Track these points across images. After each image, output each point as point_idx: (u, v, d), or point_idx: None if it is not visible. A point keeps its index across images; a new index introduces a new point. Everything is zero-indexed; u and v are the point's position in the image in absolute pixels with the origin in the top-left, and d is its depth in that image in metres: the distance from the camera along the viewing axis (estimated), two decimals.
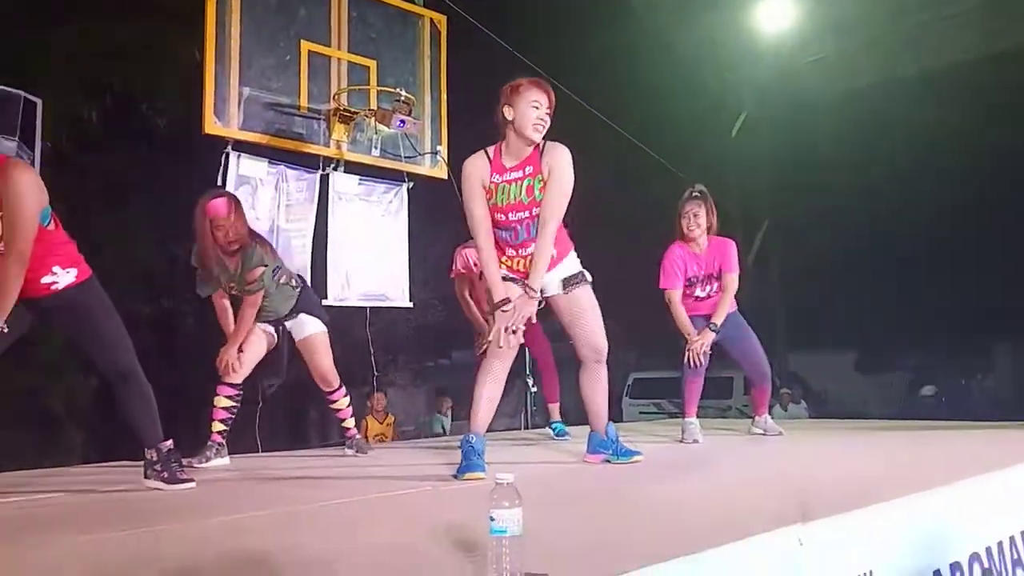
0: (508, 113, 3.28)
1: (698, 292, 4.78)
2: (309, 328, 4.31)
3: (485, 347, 3.51)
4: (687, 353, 4.71)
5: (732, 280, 4.75)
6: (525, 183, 3.33)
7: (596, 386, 3.62)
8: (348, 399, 4.50)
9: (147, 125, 8.95)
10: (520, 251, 3.42)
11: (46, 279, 3.04)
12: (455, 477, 3.17)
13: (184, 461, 3.54)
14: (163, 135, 8.67)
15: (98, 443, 9.58)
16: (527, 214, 3.35)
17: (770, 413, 5.25)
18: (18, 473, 4.01)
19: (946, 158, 12.16)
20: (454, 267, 5.18)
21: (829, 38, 11.42)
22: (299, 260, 5.72)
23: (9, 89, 4.49)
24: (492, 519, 1.53)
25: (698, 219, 4.71)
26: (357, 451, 4.47)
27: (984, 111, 11.38)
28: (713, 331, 4.68)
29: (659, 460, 3.94)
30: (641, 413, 14.47)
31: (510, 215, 3.35)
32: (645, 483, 3.18)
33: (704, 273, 4.76)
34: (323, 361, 4.33)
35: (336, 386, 4.40)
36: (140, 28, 8.68)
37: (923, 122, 11.44)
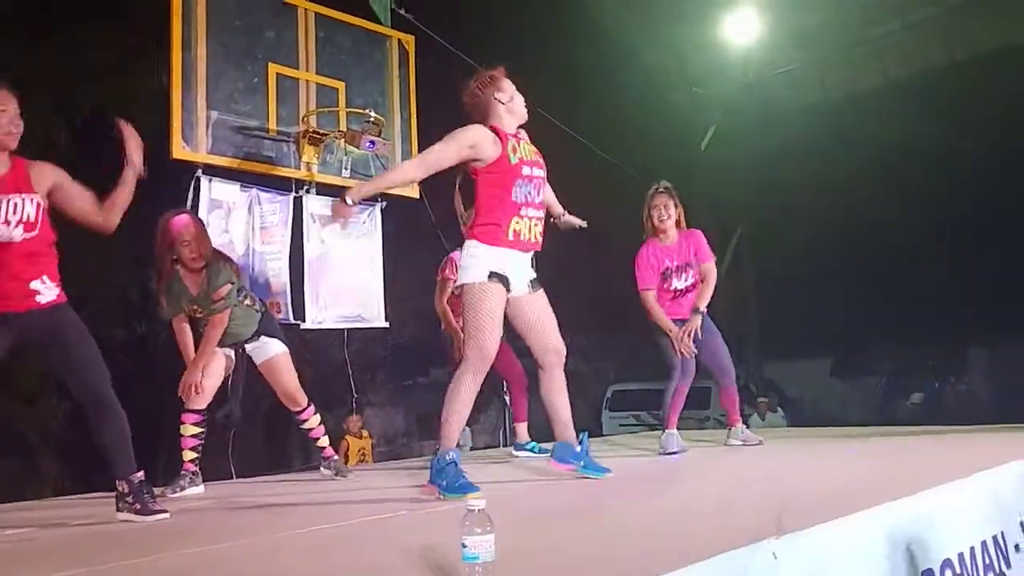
0: (502, 97, 3.46)
1: (676, 284, 4.84)
2: (272, 349, 4.27)
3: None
4: (677, 345, 4.74)
5: (710, 269, 4.88)
6: (530, 145, 3.52)
7: (563, 391, 3.57)
8: (319, 417, 4.41)
9: (118, 149, 8.86)
10: (534, 212, 3.46)
11: (34, 284, 3.02)
12: (444, 497, 3.11)
13: (157, 491, 3.50)
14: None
15: (73, 472, 9.44)
16: (541, 172, 3.51)
17: (747, 422, 5.28)
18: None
19: (917, 165, 12.30)
20: (441, 271, 5.12)
21: (796, 50, 11.55)
22: (276, 283, 5.69)
23: None
24: (464, 546, 1.52)
25: (668, 210, 4.82)
26: (336, 473, 4.40)
27: (953, 118, 11.54)
28: (699, 314, 4.76)
29: (636, 474, 3.95)
30: (621, 426, 14.43)
31: (534, 169, 3.45)
32: (621, 499, 3.17)
33: (678, 263, 4.84)
34: (290, 381, 4.28)
35: (304, 405, 4.33)
36: (113, 51, 8.63)
37: (892, 131, 11.57)
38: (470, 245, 3.40)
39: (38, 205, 3.05)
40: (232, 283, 4.06)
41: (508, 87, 3.50)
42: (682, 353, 4.76)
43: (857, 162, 12.42)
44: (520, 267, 3.45)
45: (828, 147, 12.44)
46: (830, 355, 15.10)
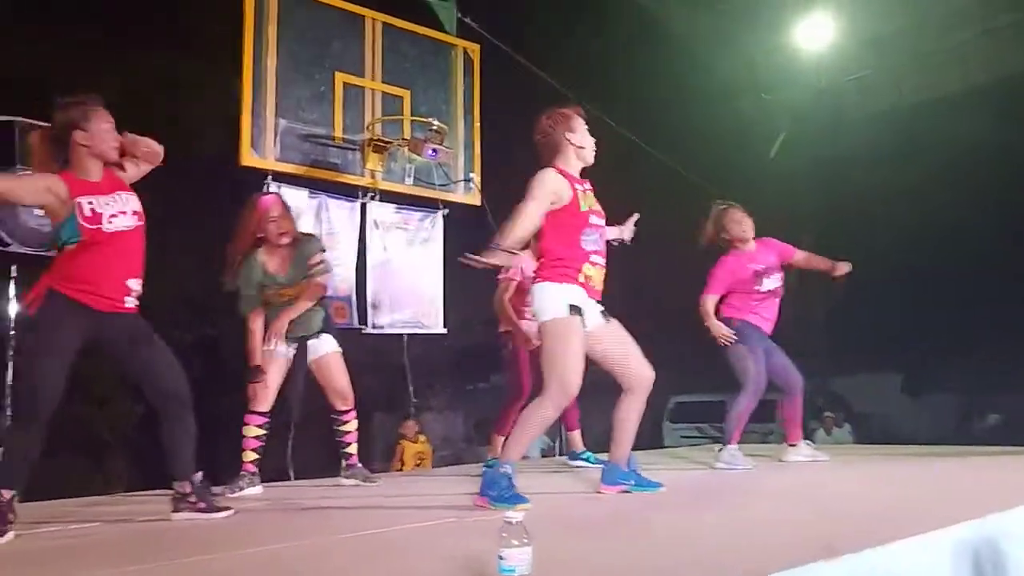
0: (573, 139, 3.47)
1: (768, 284, 4.90)
2: (328, 346, 4.31)
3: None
4: (719, 338, 4.82)
5: (802, 253, 5.12)
6: (593, 195, 3.54)
7: (637, 417, 3.56)
8: (356, 423, 4.41)
9: (192, 156, 9.17)
10: (601, 260, 3.50)
11: (131, 282, 3.21)
12: (494, 508, 3.10)
13: (217, 490, 3.60)
14: (207, 166, 8.90)
15: (144, 471, 9.76)
16: (602, 222, 3.54)
17: (812, 437, 5.16)
18: (63, 501, 4.08)
19: (994, 172, 11.85)
20: (504, 271, 5.14)
21: (870, 56, 11.25)
22: (342, 288, 5.79)
23: (41, 123, 4.63)
24: (501, 558, 1.52)
25: (746, 223, 4.94)
26: (364, 480, 4.34)
27: None
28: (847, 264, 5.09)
29: (690, 488, 3.89)
30: (683, 438, 14.25)
31: (596, 219, 3.49)
32: (670, 513, 3.13)
33: (765, 265, 4.92)
34: (343, 378, 4.32)
35: (352, 405, 4.36)
36: (188, 62, 8.93)
37: (970, 138, 11.17)
38: (543, 287, 3.39)
39: (136, 200, 3.28)
40: (324, 250, 4.16)
41: (580, 127, 3.50)
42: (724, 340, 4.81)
43: (931, 169, 12.00)
44: (591, 304, 3.45)
45: (901, 154, 12.08)
46: (901, 370, 14.59)
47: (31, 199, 3.17)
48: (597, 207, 3.52)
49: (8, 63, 8.18)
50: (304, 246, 4.13)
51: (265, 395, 4.14)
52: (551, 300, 3.35)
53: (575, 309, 3.33)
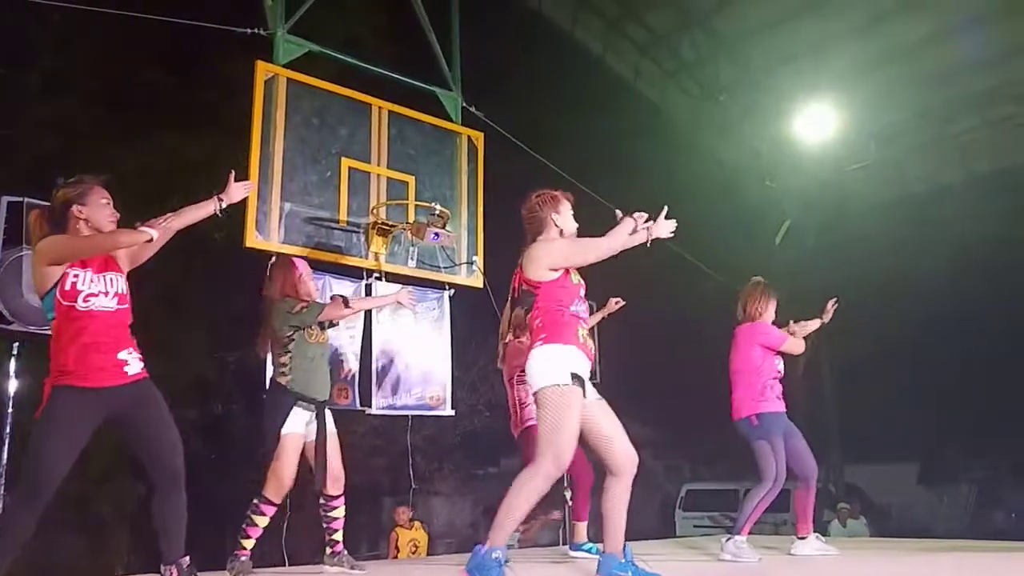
0: (558, 221, 3.57)
1: (780, 364, 4.90)
2: (331, 422, 4.26)
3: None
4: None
5: None
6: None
7: (624, 502, 3.44)
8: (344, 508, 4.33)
9: (202, 238, 9.34)
10: (587, 328, 3.55)
11: (121, 355, 3.24)
12: None
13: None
14: (216, 248, 9.04)
15: (143, 551, 9.60)
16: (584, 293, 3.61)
17: (827, 530, 5.03)
18: None
19: (1001, 263, 11.87)
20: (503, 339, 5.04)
21: (873, 145, 11.44)
22: (344, 369, 5.78)
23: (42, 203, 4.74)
24: None
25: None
26: (351, 567, 4.23)
27: None
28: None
29: None
30: (695, 527, 13.96)
31: (582, 292, 3.56)
32: None
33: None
34: (338, 460, 4.25)
35: (343, 489, 4.27)
36: (201, 147, 9.18)
37: (973, 227, 11.26)
38: (544, 349, 3.36)
39: (124, 282, 3.37)
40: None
41: (566, 211, 3.60)
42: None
43: (937, 257, 12.06)
44: (587, 374, 3.42)
45: (907, 242, 12.15)
46: (917, 460, 14.33)
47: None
48: (582, 282, 3.59)
49: (24, 144, 8.43)
50: (313, 307, 4.26)
51: (282, 483, 4.06)
52: (553, 365, 3.30)
53: (577, 379, 3.29)
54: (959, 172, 11.36)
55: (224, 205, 3.64)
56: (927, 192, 11.67)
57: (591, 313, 4.54)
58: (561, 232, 3.55)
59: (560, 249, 3.47)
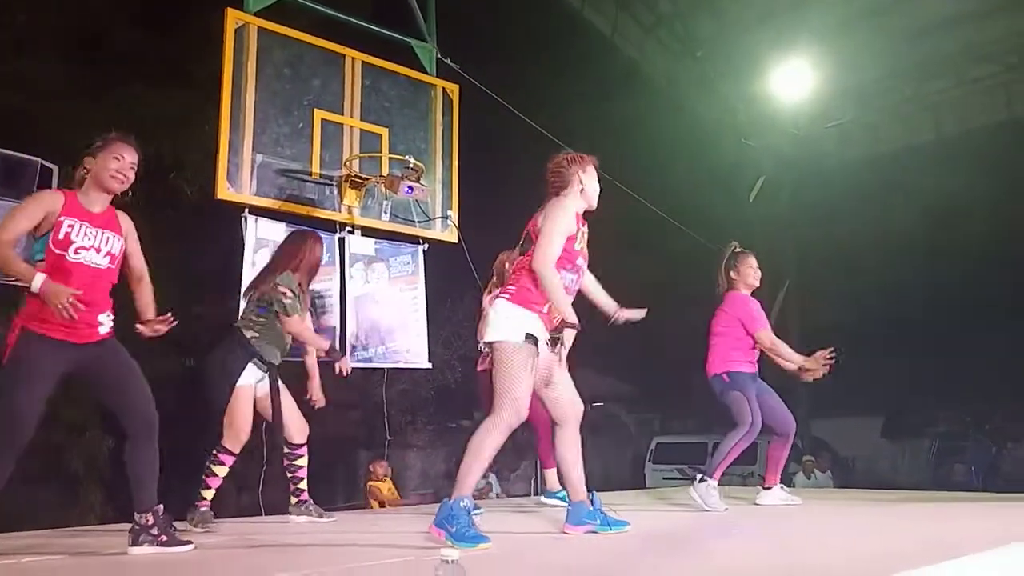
0: (583, 180, 3.64)
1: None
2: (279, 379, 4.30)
3: None
4: (817, 366, 4.87)
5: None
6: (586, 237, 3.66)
7: (576, 450, 3.55)
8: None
9: (174, 192, 9.22)
10: (569, 297, 3.56)
11: (100, 316, 3.27)
12: (452, 545, 3.05)
13: (179, 524, 3.57)
14: (189, 201, 8.93)
15: (118, 502, 9.63)
16: (585, 266, 3.66)
17: (791, 483, 5.14)
18: (33, 533, 4.02)
19: (973, 220, 12.06)
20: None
21: (848, 105, 11.49)
22: (324, 320, 5.77)
23: (25, 156, 4.68)
24: None
25: (759, 270, 5.03)
26: (318, 516, 4.32)
27: (1005, 176, 11.31)
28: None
29: (657, 531, 3.87)
30: (664, 479, 14.23)
31: (581, 261, 3.60)
32: (632, 558, 3.11)
33: None
34: (298, 410, 4.33)
35: (306, 439, 4.33)
36: (171, 99, 9.01)
37: (943, 187, 11.40)
38: (505, 306, 3.44)
39: (121, 245, 3.38)
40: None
41: (592, 173, 3.67)
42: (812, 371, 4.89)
43: (908, 215, 12.22)
44: (544, 335, 3.49)
45: (880, 201, 12.29)
46: (881, 414, 14.63)
47: (29, 223, 3.21)
48: (585, 252, 3.62)
49: None
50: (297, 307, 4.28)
51: (240, 433, 4.09)
52: (508, 323, 3.40)
53: (531, 338, 3.37)
54: (930, 132, 11.45)
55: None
56: (899, 151, 11.77)
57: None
58: (582, 191, 3.61)
59: (560, 219, 3.48)
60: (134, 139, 3.45)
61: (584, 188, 3.62)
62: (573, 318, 3.41)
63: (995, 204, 11.61)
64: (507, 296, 3.46)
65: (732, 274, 5.01)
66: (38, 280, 3.09)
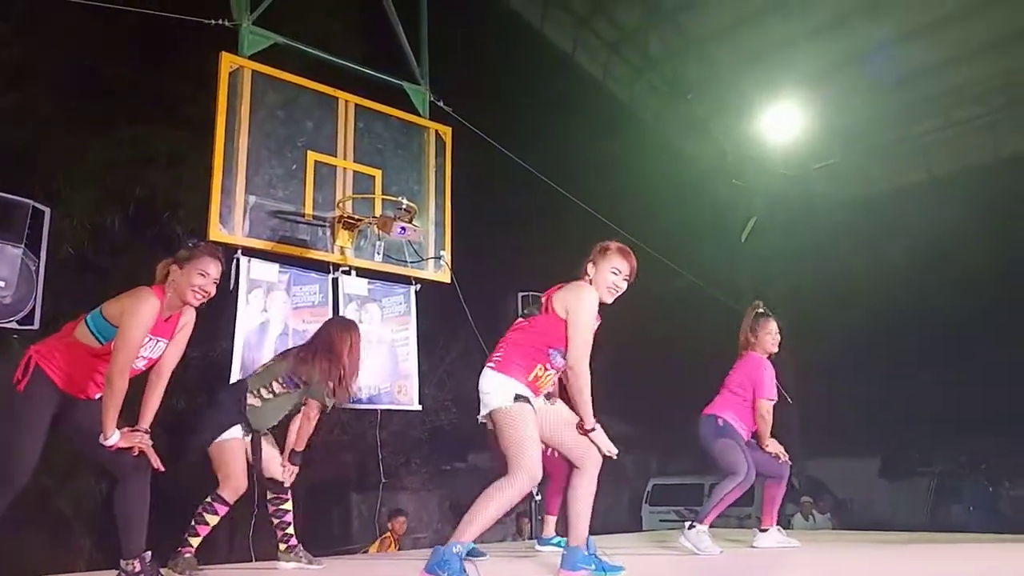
0: (591, 270, 3.59)
1: None
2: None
3: None
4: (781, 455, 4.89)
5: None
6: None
7: (590, 496, 3.51)
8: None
9: (166, 231, 9.21)
10: (554, 376, 3.55)
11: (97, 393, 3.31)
12: None
13: (164, 570, 3.51)
14: (181, 241, 8.92)
15: (107, 548, 9.48)
16: None
17: (788, 524, 5.09)
18: None
19: (960, 261, 12.12)
20: None
21: (837, 146, 11.63)
22: None
23: (17, 198, 4.68)
24: None
25: (778, 335, 4.98)
26: (309, 562, 4.28)
27: (996, 214, 11.41)
28: None
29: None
30: (661, 520, 14.09)
31: None
32: None
33: None
34: (276, 462, 4.31)
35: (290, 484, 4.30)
36: (166, 139, 9.06)
37: (935, 226, 11.47)
38: (492, 374, 3.45)
39: (163, 350, 3.44)
40: None
41: (604, 264, 3.58)
42: (779, 457, 4.88)
43: (900, 255, 12.28)
44: (534, 400, 3.48)
45: (871, 241, 12.34)
46: (878, 454, 14.57)
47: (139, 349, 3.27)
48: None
49: None
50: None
51: (238, 485, 4.06)
52: (500, 391, 3.39)
53: (521, 398, 3.38)
54: (921, 172, 11.58)
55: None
56: (889, 191, 11.89)
57: None
58: (590, 280, 3.57)
59: (584, 311, 3.45)
60: (220, 251, 3.51)
61: (592, 280, 3.58)
62: (591, 422, 3.42)
63: (988, 242, 11.69)
64: (492, 365, 3.47)
65: (751, 336, 4.99)
66: (115, 436, 3.19)
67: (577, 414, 3.49)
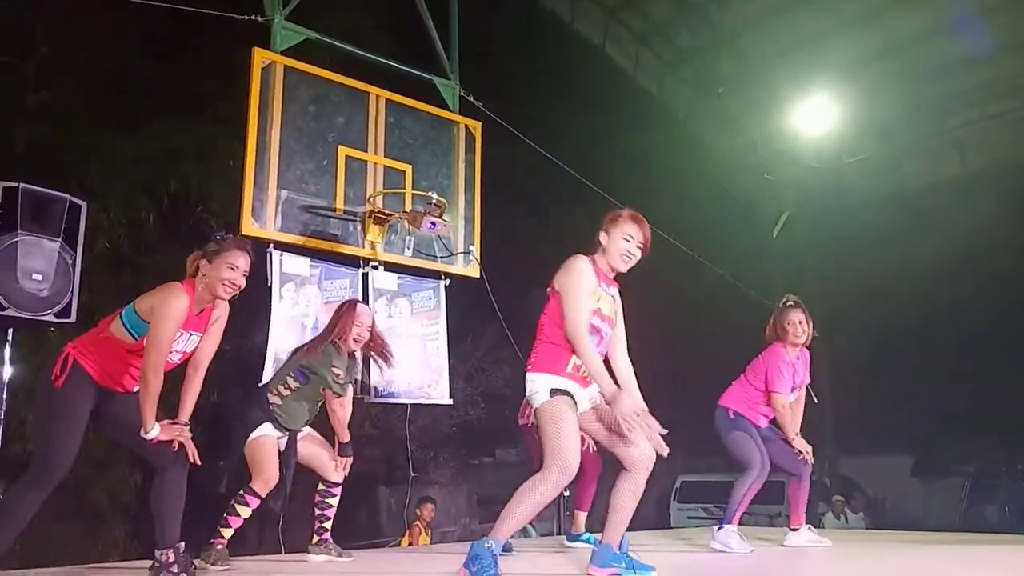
0: (603, 239, 3.49)
1: (791, 397, 4.86)
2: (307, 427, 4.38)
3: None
4: (804, 452, 4.81)
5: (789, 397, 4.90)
6: (615, 302, 3.53)
7: (634, 497, 3.42)
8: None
9: (200, 226, 9.31)
10: None
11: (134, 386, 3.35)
12: None
13: (197, 561, 3.56)
14: (212, 235, 9.01)
15: (142, 538, 9.61)
16: (610, 331, 3.50)
17: (819, 523, 5.05)
18: (54, 570, 4.02)
19: (1000, 255, 11.90)
20: None
21: (871, 140, 11.46)
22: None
23: (54, 192, 4.76)
24: None
25: (803, 326, 4.88)
26: (339, 555, 4.34)
27: None
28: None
29: (682, 574, 3.79)
30: (690, 518, 14.02)
31: (604, 324, 3.44)
32: None
33: (797, 381, 4.89)
34: (330, 450, 4.37)
35: (342, 480, 4.37)
36: (198, 134, 9.15)
37: (970, 221, 11.28)
38: (531, 376, 3.37)
39: (197, 343, 3.46)
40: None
41: (615, 231, 3.47)
42: (802, 454, 4.81)
43: (935, 251, 12.07)
44: (581, 391, 3.41)
45: (904, 236, 12.16)
46: (911, 453, 14.37)
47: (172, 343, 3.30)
48: (609, 313, 3.48)
49: (19, 131, 8.40)
50: (354, 363, 4.38)
51: (269, 480, 4.12)
52: (539, 388, 3.33)
53: (558, 392, 3.31)
54: (956, 167, 11.38)
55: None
56: (924, 186, 11.70)
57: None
58: (602, 249, 3.48)
59: (569, 280, 3.37)
60: (249, 244, 3.52)
61: (605, 248, 3.49)
62: (611, 389, 3.25)
63: (1021, 237, 11.47)
64: (528, 367, 3.43)
65: (773, 326, 4.96)
66: (156, 430, 3.23)
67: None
